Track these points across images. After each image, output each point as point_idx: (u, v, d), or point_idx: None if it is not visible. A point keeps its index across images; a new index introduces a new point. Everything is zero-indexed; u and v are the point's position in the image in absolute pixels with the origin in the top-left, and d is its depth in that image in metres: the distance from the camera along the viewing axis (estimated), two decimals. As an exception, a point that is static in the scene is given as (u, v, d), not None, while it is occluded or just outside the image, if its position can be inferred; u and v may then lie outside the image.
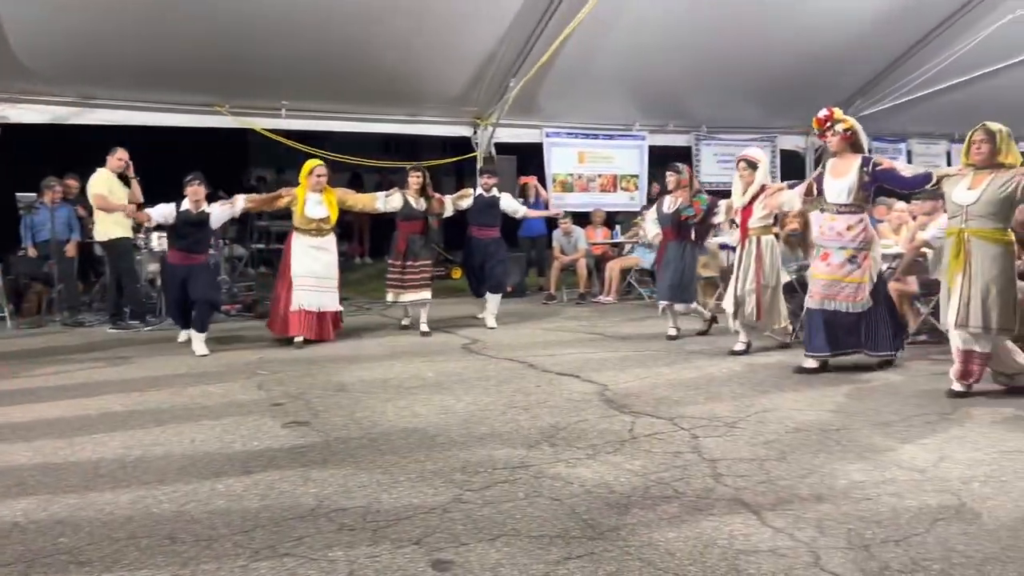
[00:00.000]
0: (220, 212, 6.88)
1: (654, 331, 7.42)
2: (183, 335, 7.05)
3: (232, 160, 15.56)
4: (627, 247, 10.51)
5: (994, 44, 9.72)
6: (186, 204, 6.63)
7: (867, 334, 5.45)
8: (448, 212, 7.85)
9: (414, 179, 7.48)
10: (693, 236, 7.00)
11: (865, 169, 5.29)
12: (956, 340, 4.78)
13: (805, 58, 9.99)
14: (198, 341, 6.60)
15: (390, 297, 7.57)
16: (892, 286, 6.60)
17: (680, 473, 3.55)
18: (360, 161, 10.95)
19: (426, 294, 7.48)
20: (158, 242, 8.31)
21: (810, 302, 5.56)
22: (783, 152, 12.42)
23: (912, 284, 6.60)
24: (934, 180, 5.00)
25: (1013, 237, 4.74)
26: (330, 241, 7.12)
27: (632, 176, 11.57)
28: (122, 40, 7.74)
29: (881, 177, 5.27)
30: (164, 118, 9.06)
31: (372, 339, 7.33)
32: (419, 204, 7.47)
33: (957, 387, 4.80)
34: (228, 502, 3.27)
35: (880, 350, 5.50)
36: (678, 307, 7.03)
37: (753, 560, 2.68)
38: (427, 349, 6.76)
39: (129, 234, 8.03)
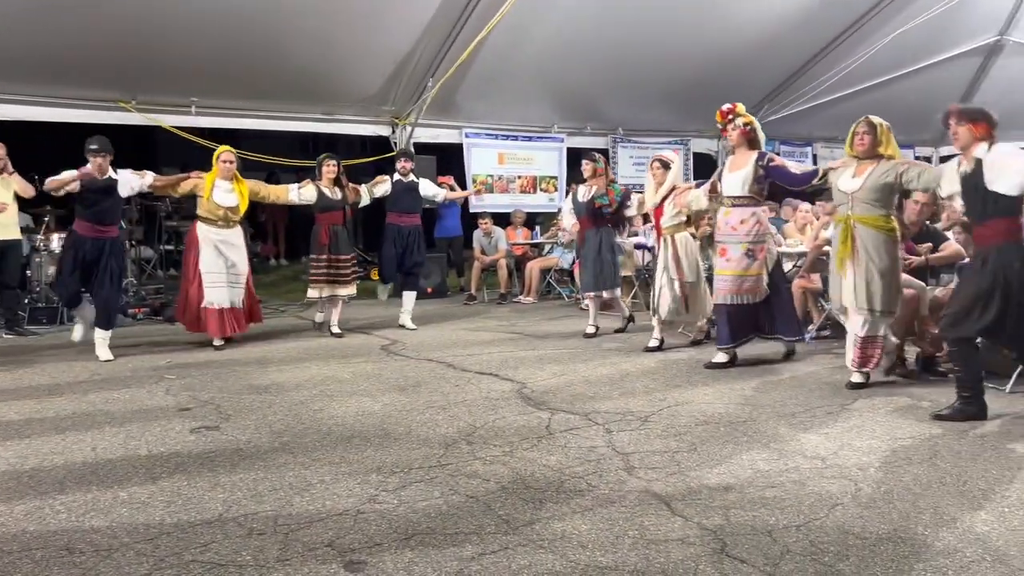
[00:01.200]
0: (129, 178, 6.41)
1: (572, 329, 7.50)
2: (78, 332, 6.50)
3: (140, 159, 14.92)
4: (547, 247, 10.61)
5: (893, 52, 10.25)
6: (89, 169, 6.14)
7: (768, 320, 5.68)
8: (365, 200, 7.63)
9: (328, 168, 7.24)
10: (611, 224, 7.15)
11: (760, 163, 5.51)
12: (856, 328, 4.98)
13: (715, 64, 10.29)
14: (102, 346, 6.29)
15: (314, 293, 7.22)
16: (797, 283, 6.88)
17: (594, 467, 3.60)
18: (276, 160, 10.70)
19: (351, 290, 7.33)
20: (58, 243, 7.91)
21: (717, 298, 5.75)
22: (696, 155, 12.77)
23: (816, 281, 6.87)
24: (821, 174, 5.27)
25: (896, 223, 4.99)
26: (237, 234, 6.85)
27: (551, 177, 11.68)
28: (16, 29, 7.35)
29: (773, 172, 5.48)
30: (63, 114, 8.64)
31: (287, 341, 7.17)
32: (335, 194, 7.25)
33: (857, 378, 5.03)
34: (131, 510, 3.14)
35: (785, 335, 5.72)
36: (605, 294, 7.10)
37: (663, 549, 2.75)
38: (344, 351, 6.66)
39: (7, 236, 7.50)
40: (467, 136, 10.89)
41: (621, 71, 10.27)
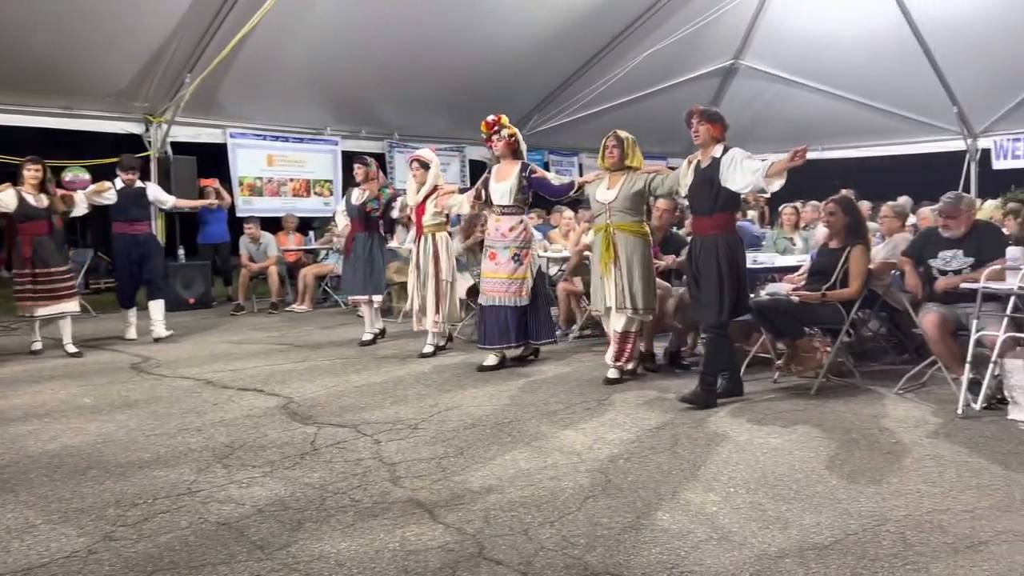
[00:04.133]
0: None
1: (348, 338, 7.35)
2: None
3: None
4: (322, 253, 10.32)
5: (646, 70, 11.11)
6: None
7: (531, 326, 5.91)
8: (81, 209, 6.99)
9: (31, 173, 6.51)
10: (381, 230, 7.16)
11: (523, 174, 5.77)
12: (615, 324, 5.32)
13: (488, 74, 10.59)
14: None
15: (21, 312, 6.56)
16: (561, 286, 7.23)
17: (359, 481, 3.52)
18: (11, 159, 9.45)
19: (68, 305, 6.60)
20: None
21: (483, 299, 5.91)
22: (472, 162, 13.04)
23: (578, 284, 7.26)
24: (577, 187, 5.67)
25: (648, 229, 5.45)
26: None
27: (326, 181, 11.38)
28: None
29: (535, 184, 5.79)
30: None
31: (14, 362, 6.34)
32: (39, 201, 6.53)
33: (613, 374, 5.37)
34: None
35: (541, 339, 5.99)
36: (376, 298, 7.05)
37: (422, 559, 2.73)
38: (85, 371, 6.01)
39: None
40: (232, 136, 10.31)
41: (397, 76, 10.25)
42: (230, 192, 10.16)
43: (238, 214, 10.32)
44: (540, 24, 10.08)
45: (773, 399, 4.97)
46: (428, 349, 6.47)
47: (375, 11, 8.95)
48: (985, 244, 4.90)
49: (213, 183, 9.70)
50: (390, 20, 9.11)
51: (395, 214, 7.08)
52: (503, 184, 5.81)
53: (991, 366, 4.46)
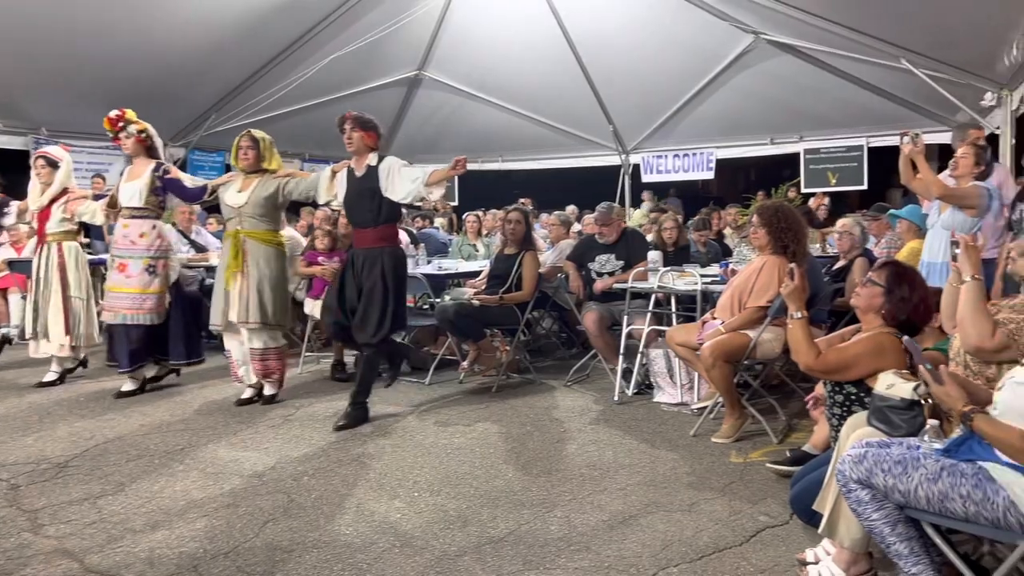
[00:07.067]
0: None
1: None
2: None
3: None
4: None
5: (331, 75, 10.92)
6: None
7: (170, 343, 5.38)
8: None
9: None
10: None
11: (157, 174, 5.23)
12: (252, 342, 4.94)
13: (157, 68, 9.64)
14: None
15: None
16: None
17: (-13, 536, 2.98)
18: None
19: None
20: None
21: (109, 317, 5.20)
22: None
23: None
24: (210, 190, 5.22)
25: (283, 239, 5.16)
26: None
27: (-54, 181, 9.58)
28: None
29: (169, 185, 5.26)
30: None
31: None
32: None
33: (269, 391, 5.05)
34: None
35: (180, 357, 5.46)
36: None
37: (66, 619, 2.38)
38: None
39: None
40: None
41: (44, 63, 8.91)
42: None
43: None
44: (215, 21, 9.42)
45: (458, 400, 5.14)
46: (50, 376, 5.64)
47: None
48: (632, 248, 5.57)
49: None
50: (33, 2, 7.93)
51: (8, 221, 6.04)
52: (133, 184, 5.19)
53: (639, 356, 5.06)
